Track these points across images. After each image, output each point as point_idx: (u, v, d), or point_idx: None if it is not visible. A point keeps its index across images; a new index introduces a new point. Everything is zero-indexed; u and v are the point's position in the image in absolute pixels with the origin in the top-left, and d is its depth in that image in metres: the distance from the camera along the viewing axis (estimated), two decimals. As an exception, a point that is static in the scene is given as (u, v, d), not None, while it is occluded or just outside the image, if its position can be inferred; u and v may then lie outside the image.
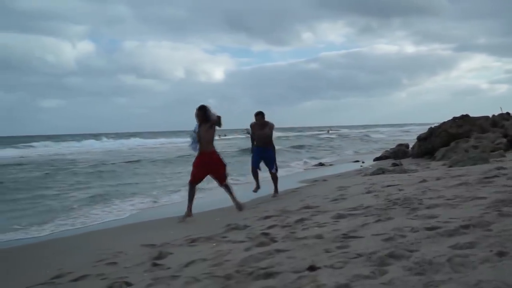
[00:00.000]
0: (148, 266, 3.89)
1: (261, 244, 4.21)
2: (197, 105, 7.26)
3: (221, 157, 7.41)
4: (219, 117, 7.18)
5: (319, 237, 4.12)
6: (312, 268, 3.09)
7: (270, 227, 5.10)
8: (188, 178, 7.36)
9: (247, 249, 4.08)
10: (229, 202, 7.58)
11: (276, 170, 8.87)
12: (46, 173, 16.39)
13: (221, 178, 7.32)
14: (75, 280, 3.79)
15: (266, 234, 4.66)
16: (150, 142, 46.55)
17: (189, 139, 7.43)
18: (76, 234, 6.70)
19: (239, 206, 7.31)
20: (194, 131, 7.25)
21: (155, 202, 9.42)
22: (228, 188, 7.42)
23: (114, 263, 4.27)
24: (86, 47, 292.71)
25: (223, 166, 7.35)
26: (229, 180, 7.74)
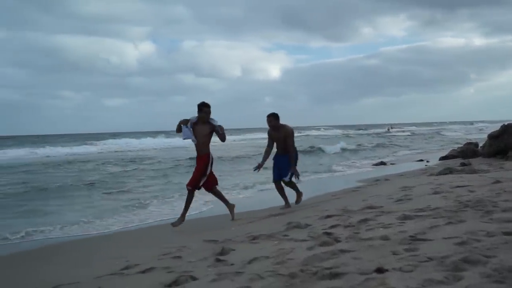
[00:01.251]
0: (212, 262, 3.93)
1: (324, 244, 4.13)
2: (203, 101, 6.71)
3: (211, 161, 6.76)
4: (222, 129, 6.67)
5: (385, 238, 3.98)
6: (380, 271, 2.98)
7: (332, 226, 5.00)
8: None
9: (310, 248, 4.02)
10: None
11: (292, 177, 7.64)
12: (134, 169, 17.21)
13: (209, 183, 6.77)
14: (143, 272, 3.90)
15: (328, 234, 4.58)
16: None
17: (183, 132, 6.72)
18: (143, 227, 6.95)
19: (231, 212, 6.88)
20: (190, 126, 6.66)
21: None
22: (217, 194, 6.93)
23: (179, 257, 4.36)
24: (147, 47, 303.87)
25: (203, 168, 6.69)
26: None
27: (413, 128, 75.24)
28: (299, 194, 7.85)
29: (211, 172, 6.76)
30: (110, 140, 43.57)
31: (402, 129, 70.30)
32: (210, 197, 9.34)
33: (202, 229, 6.17)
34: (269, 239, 4.73)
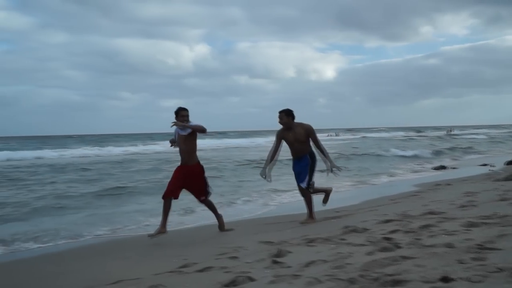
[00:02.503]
0: (269, 263, 3.92)
1: (384, 249, 4.02)
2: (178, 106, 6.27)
3: (203, 171, 6.35)
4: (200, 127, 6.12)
5: (450, 246, 3.81)
6: (445, 280, 2.85)
7: (392, 231, 4.85)
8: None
9: (369, 253, 3.92)
10: (340, 203, 7.40)
11: (309, 186, 6.55)
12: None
13: (199, 193, 6.35)
14: (201, 271, 3.95)
15: (388, 239, 4.44)
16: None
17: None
18: (199, 226, 7.08)
19: (221, 226, 6.44)
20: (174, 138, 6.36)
21: (272, 199, 9.62)
22: (209, 205, 6.48)
23: (236, 257, 4.39)
24: (202, 49, 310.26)
25: (203, 180, 6.34)
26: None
27: (475, 130, 71.82)
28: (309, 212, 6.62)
29: (197, 183, 6.27)
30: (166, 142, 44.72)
31: (464, 132, 67.27)
32: (267, 199, 9.36)
33: (257, 230, 6.17)
34: (326, 243, 4.66)
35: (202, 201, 6.41)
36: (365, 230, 5.18)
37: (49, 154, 29.42)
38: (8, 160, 25.32)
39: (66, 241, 6.41)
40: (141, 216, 7.99)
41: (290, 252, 4.32)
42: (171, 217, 7.79)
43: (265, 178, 6.58)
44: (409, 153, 22.73)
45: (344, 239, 4.79)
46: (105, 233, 6.87)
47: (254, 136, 65.18)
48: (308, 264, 3.71)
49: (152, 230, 6.25)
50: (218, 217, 6.46)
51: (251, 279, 3.42)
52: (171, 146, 6.49)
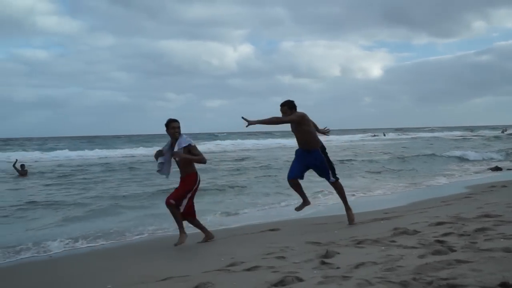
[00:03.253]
0: (317, 264, 3.88)
1: (437, 253, 3.88)
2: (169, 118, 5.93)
3: (198, 182, 5.88)
4: (194, 150, 5.76)
5: (508, 250, 3.64)
6: (505, 286, 2.72)
7: (444, 234, 4.69)
8: None
9: (421, 256, 3.80)
10: (388, 204, 7.20)
11: (336, 178, 6.27)
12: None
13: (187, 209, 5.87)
14: (248, 270, 3.96)
15: (441, 242, 4.30)
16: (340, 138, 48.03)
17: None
18: (244, 226, 7.11)
19: (207, 236, 5.99)
20: (163, 152, 5.97)
21: (319, 200, 9.54)
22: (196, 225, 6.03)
23: (283, 257, 4.37)
24: (246, 49, 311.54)
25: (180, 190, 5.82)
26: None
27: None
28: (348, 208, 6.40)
29: (192, 197, 5.88)
30: (217, 141, 45.33)
31: None
32: (313, 200, 9.31)
33: (304, 230, 6.13)
34: (375, 244, 4.56)
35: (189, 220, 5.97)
36: (416, 232, 5.03)
37: (101, 153, 30.49)
38: (67, 158, 26.45)
39: (119, 238, 6.60)
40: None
41: (338, 253, 4.26)
42: (215, 217, 7.92)
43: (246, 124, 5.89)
44: (462, 153, 21.83)
45: (394, 241, 4.67)
46: (155, 231, 7.01)
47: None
48: (357, 266, 3.65)
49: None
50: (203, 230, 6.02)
51: (299, 280, 3.39)
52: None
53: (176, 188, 5.83)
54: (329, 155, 6.35)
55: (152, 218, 7.89)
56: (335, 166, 6.39)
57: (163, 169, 5.97)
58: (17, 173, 16.41)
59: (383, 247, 4.39)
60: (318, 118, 6.48)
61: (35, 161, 25.02)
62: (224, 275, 3.89)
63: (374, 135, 63.26)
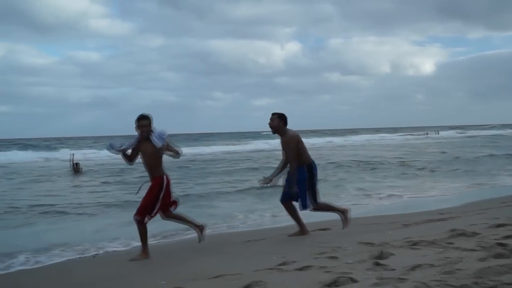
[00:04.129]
0: (371, 265, 3.79)
1: (499, 256, 3.70)
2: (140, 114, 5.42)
3: (165, 185, 5.39)
4: (168, 148, 5.35)
5: None
6: None
7: (506, 237, 4.46)
8: None
9: (482, 260, 3.63)
10: (444, 204, 6.92)
11: (315, 204, 5.75)
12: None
13: (167, 206, 5.53)
14: (300, 269, 3.93)
15: (503, 245, 4.08)
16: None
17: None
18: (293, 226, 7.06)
19: (200, 237, 5.73)
20: (119, 148, 5.45)
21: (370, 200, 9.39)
22: (178, 218, 5.69)
23: (335, 257, 4.30)
24: (293, 47, 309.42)
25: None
26: None
27: None
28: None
29: (167, 196, 5.47)
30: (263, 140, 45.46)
31: None
32: (362, 199, 9.13)
33: (355, 230, 6.01)
34: (431, 246, 4.40)
35: (168, 216, 5.62)
36: (475, 234, 4.81)
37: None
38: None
39: (172, 236, 6.71)
40: (238, 213, 8.18)
41: (392, 254, 4.15)
42: (264, 216, 7.93)
43: (265, 183, 5.95)
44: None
45: (451, 243, 4.49)
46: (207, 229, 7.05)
47: (345, 134, 63.89)
48: (414, 268, 3.53)
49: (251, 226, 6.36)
50: (196, 227, 5.74)
51: (353, 280, 3.33)
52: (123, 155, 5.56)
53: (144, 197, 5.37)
54: (380, 153, 6.19)
55: (206, 216, 7.94)
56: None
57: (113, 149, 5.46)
58: (72, 170, 17.16)
59: (440, 249, 4.23)
60: (367, 116, 6.38)
61: (87, 160, 25.88)
62: (276, 274, 3.87)
63: (427, 133, 61.24)
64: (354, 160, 19.83)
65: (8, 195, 11.64)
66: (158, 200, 5.31)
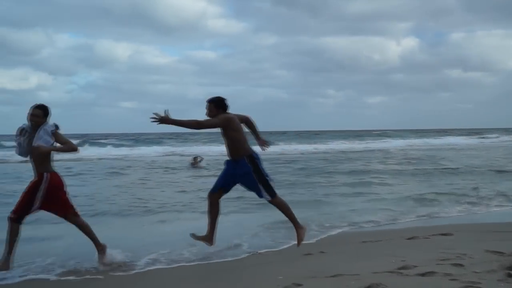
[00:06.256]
0: (502, 276, 3.55)
1: None
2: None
3: (46, 185, 4.84)
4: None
5: None
6: None
7: None
8: None
9: None
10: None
11: (272, 196, 5.24)
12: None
13: (60, 210, 5.03)
14: (422, 274, 3.81)
15: None
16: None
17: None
18: (415, 228, 6.82)
19: (100, 252, 5.13)
20: (18, 135, 4.95)
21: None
22: (80, 225, 5.09)
23: (460, 265, 4.09)
24: (409, 43, 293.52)
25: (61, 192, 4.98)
26: None
27: None
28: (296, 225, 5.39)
29: (60, 197, 4.97)
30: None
31: None
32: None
33: (481, 237, 5.64)
34: None
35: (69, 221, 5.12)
36: None
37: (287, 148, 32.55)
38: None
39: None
40: (352, 213, 8.09)
41: (527, 266, 3.83)
42: (383, 216, 7.72)
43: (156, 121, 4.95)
44: None
45: None
46: (329, 227, 7.02)
47: (470, 134, 59.14)
48: (554, 283, 3.24)
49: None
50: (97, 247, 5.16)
51: (483, 291, 3.16)
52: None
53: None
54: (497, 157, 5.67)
55: (325, 215, 7.90)
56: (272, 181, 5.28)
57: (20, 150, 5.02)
58: (190, 164, 18.26)
59: None
60: (491, 115, 5.86)
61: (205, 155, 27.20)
62: (396, 278, 3.80)
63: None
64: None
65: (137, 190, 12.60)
66: (35, 199, 4.84)
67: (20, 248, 4.94)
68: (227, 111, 5.24)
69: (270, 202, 5.29)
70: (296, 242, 5.41)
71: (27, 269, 4.94)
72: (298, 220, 5.38)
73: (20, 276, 4.73)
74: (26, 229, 5.06)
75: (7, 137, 32.71)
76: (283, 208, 5.33)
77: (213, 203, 5.33)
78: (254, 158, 5.20)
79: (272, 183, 5.25)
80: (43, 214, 5.19)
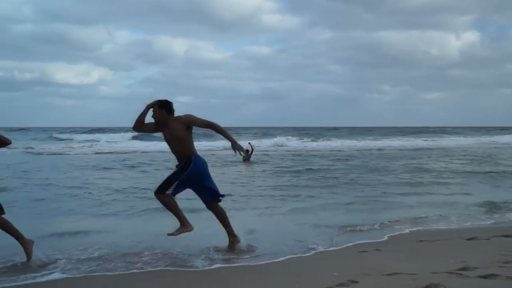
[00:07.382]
0: None
1: None
2: None
3: None
4: None
5: None
6: None
7: None
8: None
9: None
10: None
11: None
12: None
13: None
14: (484, 277, 3.71)
15: None
16: None
17: None
18: (474, 228, 6.60)
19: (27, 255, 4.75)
20: None
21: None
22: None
23: (525, 268, 3.94)
24: (470, 37, 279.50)
25: None
26: None
27: None
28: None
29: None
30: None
31: None
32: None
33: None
34: None
35: None
36: None
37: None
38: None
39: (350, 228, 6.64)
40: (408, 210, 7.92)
41: None
42: (441, 216, 7.48)
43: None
44: None
45: None
46: (391, 224, 6.93)
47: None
48: None
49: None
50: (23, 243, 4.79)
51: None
52: None
53: None
54: None
55: (381, 213, 7.77)
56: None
57: None
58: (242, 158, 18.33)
59: None
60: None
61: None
62: (456, 279, 3.72)
63: None
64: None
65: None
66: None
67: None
68: (173, 114, 5.26)
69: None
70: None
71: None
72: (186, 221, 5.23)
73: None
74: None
75: (70, 129, 34.29)
76: (169, 206, 5.20)
77: (214, 213, 5.43)
78: (190, 162, 5.19)
79: (173, 186, 5.13)
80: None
